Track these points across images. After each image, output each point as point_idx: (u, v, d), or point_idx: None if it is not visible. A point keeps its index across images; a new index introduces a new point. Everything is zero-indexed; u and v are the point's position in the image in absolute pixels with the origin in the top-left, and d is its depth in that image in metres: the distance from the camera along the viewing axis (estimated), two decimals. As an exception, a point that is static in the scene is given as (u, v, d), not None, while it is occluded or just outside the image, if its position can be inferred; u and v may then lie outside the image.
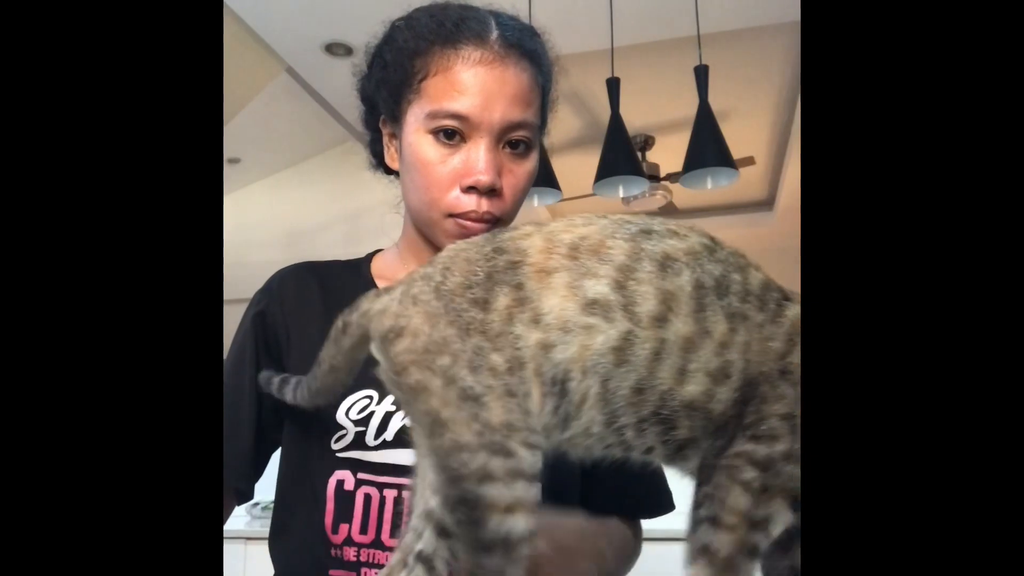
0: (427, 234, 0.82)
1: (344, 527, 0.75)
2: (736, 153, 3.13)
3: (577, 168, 3.98)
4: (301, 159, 6.00)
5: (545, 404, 0.53)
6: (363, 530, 0.75)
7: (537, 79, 0.78)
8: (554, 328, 0.52)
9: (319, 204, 5.99)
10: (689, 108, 3.05)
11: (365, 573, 0.74)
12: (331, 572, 0.75)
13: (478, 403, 0.51)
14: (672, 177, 4.14)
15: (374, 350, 0.57)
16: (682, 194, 4.51)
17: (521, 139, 0.76)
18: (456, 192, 0.75)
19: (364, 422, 0.76)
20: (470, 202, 0.75)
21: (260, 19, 3.16)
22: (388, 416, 0.76)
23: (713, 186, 3.31)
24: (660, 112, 4.11)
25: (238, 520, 2.68)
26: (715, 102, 2.98)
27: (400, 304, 0.55)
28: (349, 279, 0.86)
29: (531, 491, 0.50)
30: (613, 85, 2.97)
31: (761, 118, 4.38)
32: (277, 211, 6.13)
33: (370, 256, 0.91)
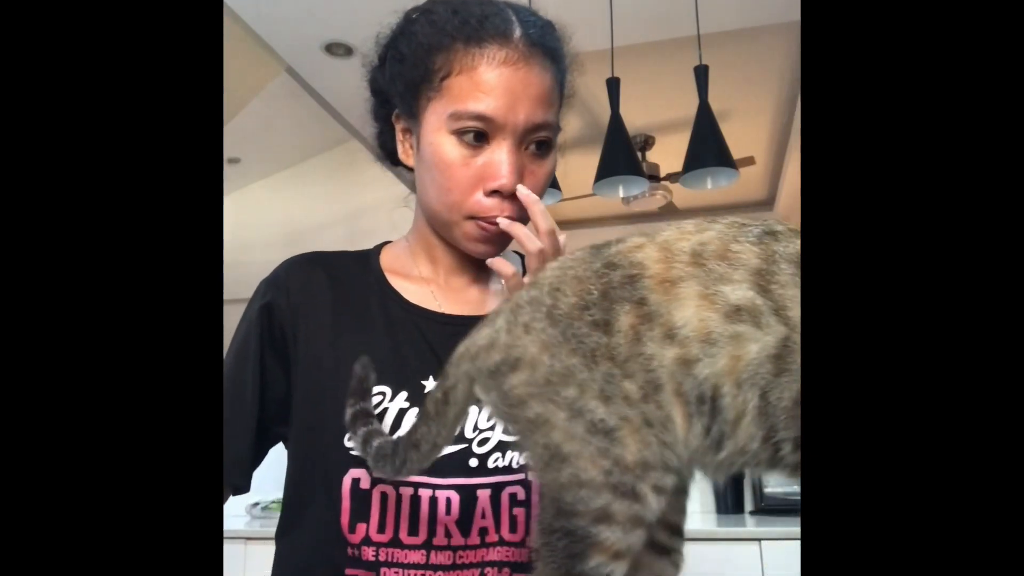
0: (442, 233, 0.80)
1: (362, 526, 0.73)
2: (736, 153, 3.13)
3: (577, 168, 3.98)
4: (301, 159, 6.00)
5: (692, 426, 0.48)
6: (381, 529, 0.73)
7: (557, 77, 0.77)
8: (694, 341, 0.47)
9: (319, 204, 5.99)
10: (689, 108, 3.04)
11: (384, 573, 0.72)
12: (348, 571, 0.73)
13: (610, 438, 0.46)
14: (672, 177, 4.14)
15: (479, 389, 0.53)
16: (682, 194, 4.51)
17: (543, 139, 0.75)
18: (478, 195, 0.74)
19: (378, 419, 0.73)
20: (493, 205, 0.73)
21: (260, 19, 3.16)
22: (402, 413, 0.74)
23: (713, 186, 3.31)
24: (660, 112, 4.11)
25: (238, 520, 2.68)
26: (715, 102, 2.98)
27: (509, 334, 0.51)
28: (358, 271, 0.84)
29: (643, 538, 0.47)
30: (613, 85, 2.97)
31: (761, 118, 4.37)
32: (277, 211, 6.13)
33: (378, 248, 0.89)
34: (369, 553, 0.73)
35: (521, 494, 0.75)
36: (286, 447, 0.82)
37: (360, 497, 0.74)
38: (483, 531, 0.74)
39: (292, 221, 6.09)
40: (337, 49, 3.38)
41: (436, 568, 0.72)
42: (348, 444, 0.74)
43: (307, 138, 5.50)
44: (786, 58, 3.68)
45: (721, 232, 0.51)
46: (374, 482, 0.74)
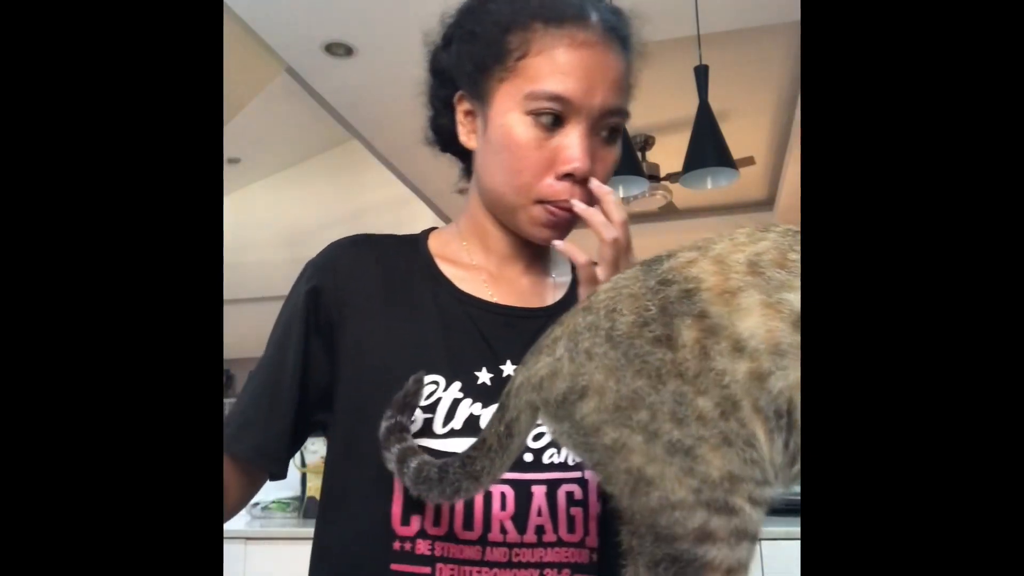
0: (504, 218, 0.78)
1: (415, 519, 0.70)
2: (736, 153, 3.13)
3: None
4: (301, 159, 6.00)
5: (774, 443, 0.47)
6: (436, 522, 0.70)
7: (628, 64, 0.77)
8: (764, 353, 0.46)
9: (319, 204, 6.00)
10: (689, 108, 3.05)
11: (440, 569, 0.69)
12: (394, 567, 0.69)
13: (690, 456, 0.45)
14: (672, 177, 4.15)
15: (545, 417, 0.52)
16: (682, 194, 4.52)
17: (615, 125, 0.74)
18: (550, 179, 0.72)
19: (431, 408, 0.71)
20: (564, 189, 0.72)
21: (260, 19, 3.16)
22: (456, 403, 0.72)
23: (713, 186, 3.31)
24: (660, 112, 4.11)
25: (238, 520, 2.68)
26: (715, 102, 2.98)
27: (572, 362, 0.50)
28: (407, 255, 0.82)
29: (753, 551, 0.46)
30: (613, 85, 2.97)
31: (761, 118, 4.38)
32: (277, 211, 6.14)
33: (425, 233, 0.86)
34: (424, 547, 0.69)
35: (578, 493, 0.73)
36: (325, 436, 0.79)
37: None
38: (540, 529, 0.71)
39: (292, 221, 6.10)
40: (337, 49, 3.38)
41: (492, 565, 0.69)
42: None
43: (307, 138, 5.50)
44: (786, 58, 3.68)
45: (776, 241, 0.49)
46: None
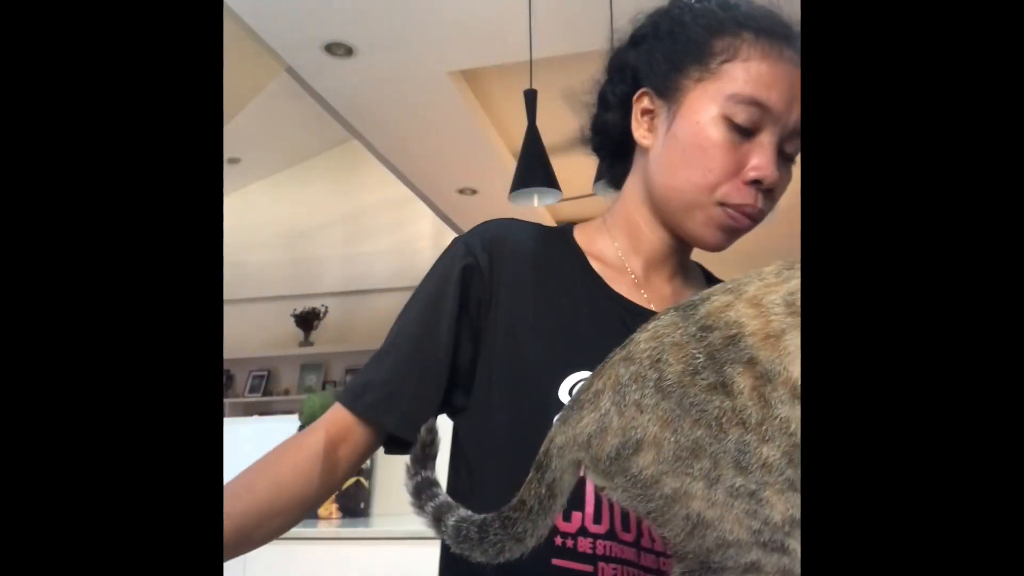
0: (676, 217, 0.77)
1: (577, 515, 0.69)
2: (736, 153, 3.12)
3: (577, 168, 3.97)
4: (301, 159, 6.01)
5: None
6: (597, 519, 0.69)
7: None
8: None
9: (319, 204, 6.00)
10: (689, 108, 3.04)
11: (602, 568, 0.68)
12: (555, 562, 0.68)
13: (754, 499, 0.46)
14: (672, 177, 4.13)
15: (592, 474, 0.51)
16: (682, 194, 4.49)
17: (795, 149, 0.75)
18: (738, 182, 0.73)
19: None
20: (749, 195, 0.73)
21: (260, 19, 3.16)
22: None
23: (713, 186, 3.29)
24: (660, 112, 4.10)
25: (238, 520, 2.67)
26: (715, 102, 2.97)
27: (621, 416, 0.49)
28: (557, 246, 0.82)
29: None
30: (613, 85, 2.97)
31: (761, 118, 4.36)
32: (277, 211, 6.15)
33: (569, 227, 0.86)
34: (585, 545, 0.68)
35: None
36: (451, 418, 0.78)
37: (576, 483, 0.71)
38: None
39: (292, 221, 6.10)
40: (337, 49, 3.38)
41: (646, 570, 0.69)
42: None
43: (307, 138, 5.50)
44: (786, 58, 3.67)
45: None
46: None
